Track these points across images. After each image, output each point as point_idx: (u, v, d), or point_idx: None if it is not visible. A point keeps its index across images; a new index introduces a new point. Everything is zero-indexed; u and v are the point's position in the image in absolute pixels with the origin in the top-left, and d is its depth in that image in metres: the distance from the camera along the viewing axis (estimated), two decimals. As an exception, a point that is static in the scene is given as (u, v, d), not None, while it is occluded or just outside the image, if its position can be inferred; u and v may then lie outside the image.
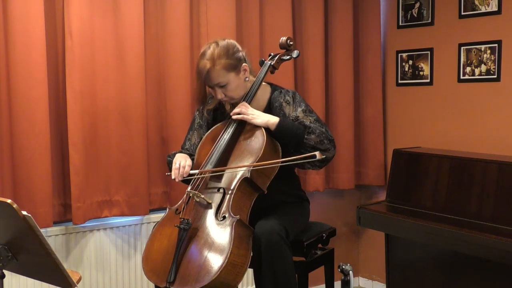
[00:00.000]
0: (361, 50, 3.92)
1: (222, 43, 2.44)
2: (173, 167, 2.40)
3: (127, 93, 3.00)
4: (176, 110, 3.15)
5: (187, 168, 2.38)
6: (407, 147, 3.65)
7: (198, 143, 2.55)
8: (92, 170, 2.95)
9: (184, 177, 2.38)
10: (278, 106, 2.51)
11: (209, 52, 2.41)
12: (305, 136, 2.39)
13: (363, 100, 3.95)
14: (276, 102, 2.52)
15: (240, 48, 2.50)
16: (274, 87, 2.60)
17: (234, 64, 2.43)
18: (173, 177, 2.39)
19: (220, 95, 2.46)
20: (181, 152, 2.57)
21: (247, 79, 2.50)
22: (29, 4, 2.71)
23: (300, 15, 3.65)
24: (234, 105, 2.53)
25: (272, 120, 2.40)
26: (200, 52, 2.49)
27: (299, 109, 2.49)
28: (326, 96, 3.76)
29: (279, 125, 2.39)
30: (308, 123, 2.43)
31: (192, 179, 2.39)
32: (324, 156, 2.32)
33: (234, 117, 2.42)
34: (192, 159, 2.49)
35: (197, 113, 2.65)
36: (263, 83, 2.59)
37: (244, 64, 2.48)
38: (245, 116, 2.40)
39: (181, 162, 2.39)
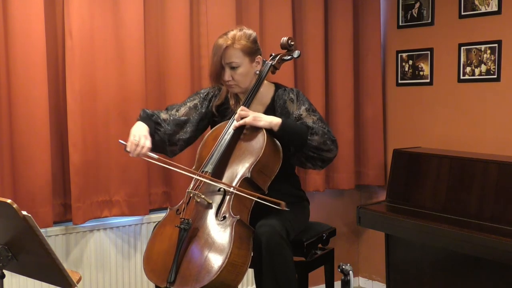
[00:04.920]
0: (361, 50, 3.92)
1: (246, 30, 2.51)
2: (132, 140, 2.37)
3: (127, 93, 3.00)
4: (176, 110, 3.15)
5: (145, 150, 2.36)
6: (407, 147, 3.65)
7: (182, 119, 2.58)
8: (92, 170, 2.95)
9: (139, 156, 2.37)
10: (282, 103, 2.53)
11: (232, 33, 2.47)
12: (308, 137, 2.40)
13: (363, 100, 3.95)
14: (280, 100, 2.54)
15: (258, 43, 2.55)
16: (278, 86, 2.62)
17: (252, 50, 2.48)
18: (128, 150, 2.37)
19: (228, 76, 2.47)
20: (151, 115, 2.55)
21: (257, 72, 2.53)
22: (29, 4, 2.70)
23: (300, 15, 3.65)
24: (238, 101, 2.56)
25: (276, 120, 2.40)
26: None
27: (303, 107, 2.51)
28: (326, 96, 3.76)
29: (282, 125, 2.39)
30: (311, 123, 2.45)
31: (149, 157, 2.36)
32: (287, 210, 2.30)
33: (237, 124, 2.41)
34: (156, 131, 2.51)
35: (198, 95, 2.67)
36: (268, 82, 2.62)
37: (259, 56, 2.52)
38: (247, 120, 2.40)
39: (141, 141, 2.37)
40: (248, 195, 2.30)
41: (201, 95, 2.67)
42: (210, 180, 2.32)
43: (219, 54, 2.43)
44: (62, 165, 2.96)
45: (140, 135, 2.39)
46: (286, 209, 2.27)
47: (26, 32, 2.70)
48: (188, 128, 2.60)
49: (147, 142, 2.37)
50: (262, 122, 2.40)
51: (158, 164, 2.48)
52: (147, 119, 2.53)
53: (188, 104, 2.64)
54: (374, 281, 4.12)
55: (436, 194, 3.26)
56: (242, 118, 2.40)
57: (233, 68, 2.46)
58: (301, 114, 2.49)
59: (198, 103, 2.64)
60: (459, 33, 3.56)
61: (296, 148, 2.43)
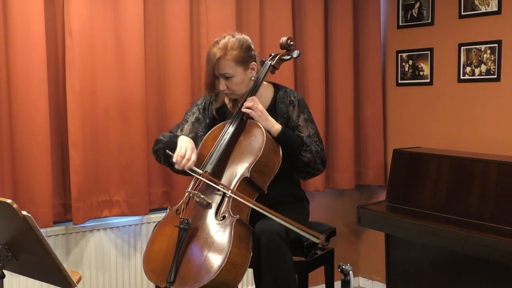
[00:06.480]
0: (361, 50, 3.92)
1: (238, 36, 2.46)
2: (179, 151, 2.32)
3: (127, 93, 3.00)
4: (176, 110, 3.15)
5: (191, 164, 2.32)
6: (407, 147, 3.65)
7: (190, 137, 2.53)
8: (92, 170, 2.95)
9: (184, 170, 2.34)
10: (284, 107, 2.53)
11: (223, 41, 2.42)
12: (302, 153, 2.44)
13: (363, 100, 3.95)
14: (282, 103, 2.54)
15: (253, 47, 2.51)
16: (277, 87, 2.61)
17: (245, 59, 2.45)
18: (173, 160, 2.32)
19: (222, 86, 2.46)
20: (174, 136, 2.50)
21: (252, 78, 2.51)
22: (29, 4, 2.70)
23: (300, 15, 3.65)
24: (235, 103, 2.55)
25: (276, 126, 2.42)
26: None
27: (302, 117, 2.52)
28: (326, 96, 3.76)
29: (281, 134, 2.41)
30: (307, 137, 2.48)
31: (193, 171, 2.32)
32: (327, 243, 2.31)
33: (243, 109, 2.41)
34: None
35: (196, 107, 2.64)
36: (266, 82, 2.60)
37: (253, 62, 2.49)
38: (253, 112, 2.40)
39: (188, 153, 2.32)
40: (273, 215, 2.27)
41: (199, 106, 2.64)
42: (212, 181, 2.31)
43: (211, 65, 2.42)
44: (62, 165, 2.96)
45: (187, 147, 2.35)
46: (325, 243, 2.26)
47: (26, 32, 2.70)
48: (199, 143, 2.55)
49: (193, 155, 2.34)
50: (265, 122, 2.41)
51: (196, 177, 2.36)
52: (175, 138, 2.46)
53: (189, 120, 2.61)
54: (374, 281, 4.12)
55: (436, 194, 3.26)
56: (249, 109, 2.41)
57: (227, 78, 2.44)
58: (299, 124, 2.52)
59: (200, 115, 2.62)
60: (459, 33, 3.56)
61: (286, 158, 2.44)
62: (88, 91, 2.91)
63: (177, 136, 2.47)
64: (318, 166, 2.49)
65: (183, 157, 2.31)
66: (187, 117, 2.63)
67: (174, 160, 2.32)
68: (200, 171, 2.32)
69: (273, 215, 2.25)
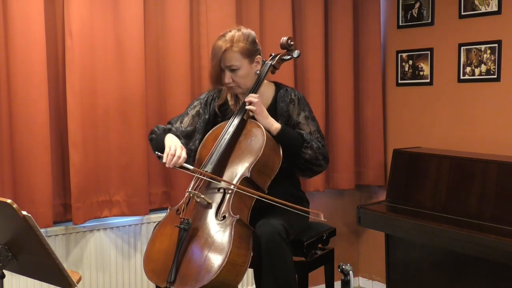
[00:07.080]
0: (361, 50, 3.92)
1: (244, 30, 2.49)
2: (168, 151, 2.34)
3: (127, 93, 3.00)
4: (176, 110, 3.14)
5: (182, 160, 2.34)
6: (407, 147, 3.65)
7: (189, 130, 2.56)
8: (92, 170, 2.95)
9: (175, 167, 2.35)
10: (285, 105, 2.53)
11: (230, 34, 2.45)
12: (302, 150, 2.44)
13: (363, 100, 3.95)
14: (282, 102, 2.54)
15: (258, 42, 2.54)
16: (278, 86, 2.62)
17: (251, 51, 2.47)
18: (163, 161, 2.35)
19: (228, 79, 2.46)
20: (168, 129, 2.56)
21: (257, 72, 2.52)
22: (29, 4, 2.70)
23: (300, 15, 3.65)
24: (237, 101, 2.56)
25: (276, 125, 2.43)
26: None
27: (302, 115, 2.53)
28: (326, 96, 3.76)
29: (280, 132, 2.42)
30: (308, 133, 2.49)
31: (185, 168, 2.34)
32: (325, 220, 2.37)
33: (246, 99, 2.42)
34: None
35: (198, 102, 2.65)
36: (267, 81, 2.62)
37: (258, 56, 2.52)
38: (253, 107, 2.41)
39: (177, 151, 2.34)
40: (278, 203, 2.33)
41: (202, 101, 2.65)
42: (213, 178, 2.32)
43: (218, 57, 2.43)
44: (62, 165, 2.96)
45: (176, 145, 2.37)
46: (324, 220, 2.32)
47: (26, 32, 2.70)
48: (197, 138, 2.58)
49: (183, 153, 2.35)
50: (264, 120, 2.42)
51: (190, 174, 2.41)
52: (168, 132, 2.52)
53: (190, 112, 2.63)
54: (374, 281, 4.12)
55: (436, 194, 3.26)
56: (251, 103, 2.42)
57: (233, 71, 2.45)
58: (300, 122, 2.52)
59: (201, 110, 2.63)
60: (459, 33, 3.56)
61: (287, 156, 2.44)
62: (88, 91, 2.91)
63: (166, 132, 2.51)
64: (320, 163, 2.50)
65: (173, 155, 2.33)
66: (188, 110, 2.65)
67: (164, 160, 2.34)
68: (191, 167, 2.34)
69: (277, 202, 2.29)
